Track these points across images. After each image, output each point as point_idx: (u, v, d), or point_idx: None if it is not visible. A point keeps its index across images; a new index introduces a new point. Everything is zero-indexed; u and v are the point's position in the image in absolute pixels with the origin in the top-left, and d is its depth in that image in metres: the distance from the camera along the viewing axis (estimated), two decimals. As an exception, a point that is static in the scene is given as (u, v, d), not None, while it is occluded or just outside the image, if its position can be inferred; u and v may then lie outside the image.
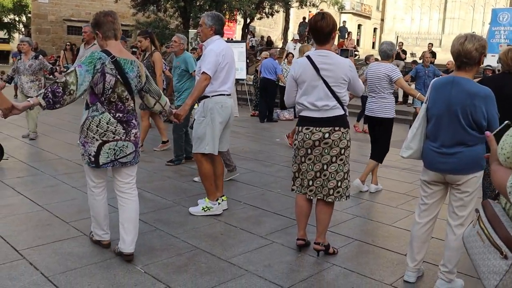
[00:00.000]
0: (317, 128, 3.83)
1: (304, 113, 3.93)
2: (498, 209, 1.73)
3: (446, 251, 3.58)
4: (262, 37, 31.21)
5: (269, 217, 5.06)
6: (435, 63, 15.20)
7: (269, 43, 28.95)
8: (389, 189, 6.35)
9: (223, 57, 4.83)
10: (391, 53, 6.04)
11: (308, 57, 3.88)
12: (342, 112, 3.87)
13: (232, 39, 24.37)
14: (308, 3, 25.95)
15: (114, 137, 3.66)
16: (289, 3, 25.48)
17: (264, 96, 13.19)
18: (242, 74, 15.36)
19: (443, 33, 41.87)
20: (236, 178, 6.54)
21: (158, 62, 7.71)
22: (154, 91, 3.96)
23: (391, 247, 4.42)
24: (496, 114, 3.32)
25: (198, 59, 10.14)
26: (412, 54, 19.98)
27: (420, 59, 19.21)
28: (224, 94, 4.96)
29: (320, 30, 3.82)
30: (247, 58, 18.01)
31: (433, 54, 18.76)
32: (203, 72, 4.70)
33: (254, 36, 30.36)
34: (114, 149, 3.68)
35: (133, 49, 8.01)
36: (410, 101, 14.98)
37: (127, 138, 3.73)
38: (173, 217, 4.93)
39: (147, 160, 7.44)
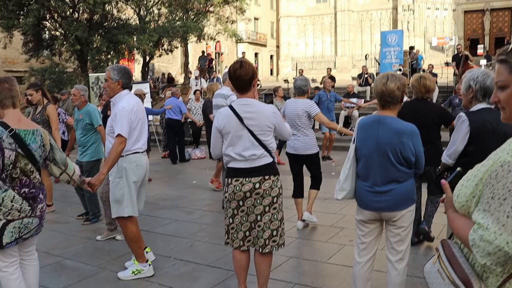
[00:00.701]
0: (247, 179, 3.74)
1: (232, 164, 3.83)
2: (456, 249, 1.81)
3: (390, 286, 3.61)
4: (163, 74, 30.93)
5: (204, 271, 4.86)
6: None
7: (170, 80, 28.76)
8: (315, 222, 6.36)
9: (135, 114, 4.61)
10: (306, 88, 6.13)
11: (231, 107, 3.81)
12: (270, 160, 3.81)
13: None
14: (205, 37, 26.13)
15: (19, 215, 3.36)
16: (187, 38, 25.52)
17: (172, 137, 12.96)
18: (149, 115, 15.04)
19: (336, 55, 43.77)
20: (161, 231, 6.28)
21: (53, 116, 7.27)
22: (60, 160, 3.69)
23: (331, 286, 4.39)
24: (422, 149, 3.44)
25: (103, 108, 9.82)
26: (313, 80, 20.62)
27: (320, 83, 19.88)
28: (138, 152, 4.73)
29: (240, 79, 3.76)
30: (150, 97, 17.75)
31: (333, 78, 19.50)
32: (119, 135, 4.43)
33: (152, 74, 30.13)
34: (19, 227, 3.38)
35: (28, 97, 7.49)
36: (317, 126, 15.34)
37: (33, 214, 3.45)
38: (102, 285, 4.59)
39: (61, 221, 6.99)
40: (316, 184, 6.35)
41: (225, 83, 7.31)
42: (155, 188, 9.15)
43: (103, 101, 10.69)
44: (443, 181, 1.94)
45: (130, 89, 4.86)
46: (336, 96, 12.93)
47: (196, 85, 20.23)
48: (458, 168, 1.99)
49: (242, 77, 3.75)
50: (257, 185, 3.72)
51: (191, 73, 23.32)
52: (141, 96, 10.47)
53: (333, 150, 13.06)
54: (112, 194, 4.73)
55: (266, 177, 3.75)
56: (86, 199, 6.93)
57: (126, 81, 4.71)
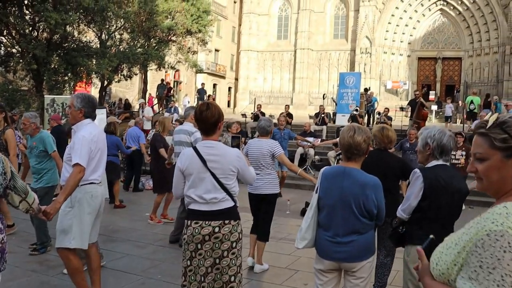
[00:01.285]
0: (207, 222, 3.69)
1: (193, 206, 3.78)
2: None
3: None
4: (120, 99, 30.59)
5: (155, 312, 4.74)
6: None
7: (127, 106, 28.42)
8: (270, 264, 6.30)
9: (95, 143, 4.55)
10: (270, 129, 6.17)
11: (195, 148, 3.78)
12: (232, 204, 3.78)
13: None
14: (166, 65, 26.10)
15: None
16: (147, 65, 25.41)
17: (131, 166, 12.86)
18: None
19: (293, 91, 44.51)
20: (112, 266, 6.09)
21: (11, 141, 7.06)
22: (20, 188, 3.54)
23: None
24: (383, 201, 3.50)
25: (53, 130, 9.57)
26: (271, 116, 20.85)
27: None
28: (94, 183, 4.64)
29: (205, 121, 3.75)
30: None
31: (290, 115, 19.76)
32: (77, 164, 4.34)
33: (109, 98, 29.80)
34: None
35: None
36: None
37: None
38: (46, 325, 4.40)
39: (5, 250, 6.66)
40: (264, 235, 6.18)
41: (187, 119, 7.23)
42: (106, 219, 8.87)
43: (51, 127, 10.53)
44: (418, 248, 1.95)
45: (93, 118, 4.80)
46: (290, 134, 13.11)
47: (142, 112, 20.36)
48: (431, 236, 2.01)
49: (208, 119, 3.74)
50: (217, 229, 3.68)
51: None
52: (114, 124, 10.36)
53: (287, 188, 13.07)
54: (59, 223, 4.60)
55: (226, 221, 3.71)
56: (34, 226, 6.68)
57: (88, 110, 4.66)
